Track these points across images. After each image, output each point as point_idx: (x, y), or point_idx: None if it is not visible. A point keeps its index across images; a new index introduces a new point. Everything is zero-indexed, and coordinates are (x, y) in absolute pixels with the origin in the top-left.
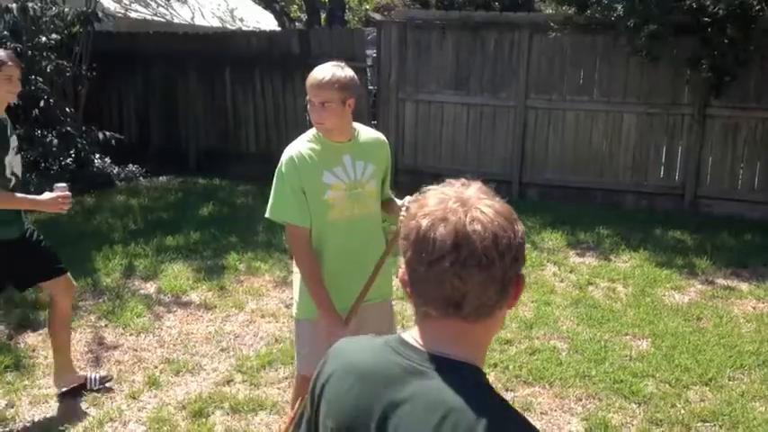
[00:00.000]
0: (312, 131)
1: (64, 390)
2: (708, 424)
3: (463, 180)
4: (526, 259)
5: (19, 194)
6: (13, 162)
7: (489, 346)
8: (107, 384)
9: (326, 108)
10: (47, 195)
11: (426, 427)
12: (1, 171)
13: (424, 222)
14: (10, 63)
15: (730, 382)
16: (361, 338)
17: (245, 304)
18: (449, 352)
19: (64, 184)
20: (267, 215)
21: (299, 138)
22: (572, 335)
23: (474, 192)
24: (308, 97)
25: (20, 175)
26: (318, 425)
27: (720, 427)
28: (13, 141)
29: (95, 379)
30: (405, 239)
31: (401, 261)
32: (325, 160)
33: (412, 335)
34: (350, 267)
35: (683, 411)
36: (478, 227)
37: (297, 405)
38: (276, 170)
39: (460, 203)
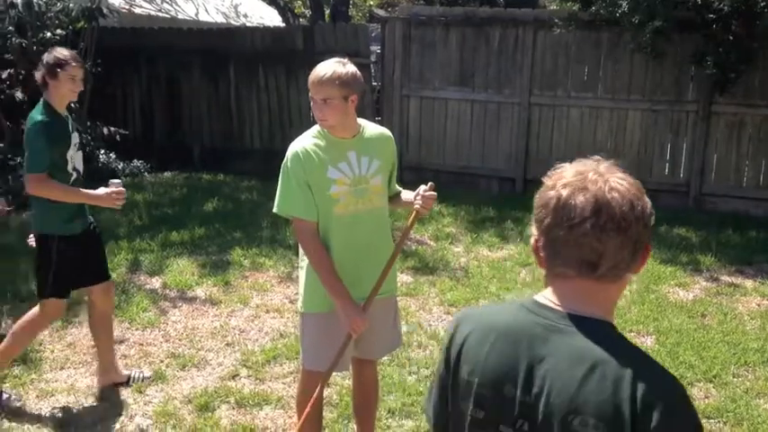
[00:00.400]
0: (317, 127)
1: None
2: (712, 420)
3: (596, 157)
4: (530, 256)
5: (77, 189)
6: (75, 158)
7: None
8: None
9: (328, 104)
10: (102, 190)
11: (573, 379)
12: (63, 166)
13: (565, 191)
14: (74, 63)
15: (735, 379)
16: (489, 304)
17: (249, 299)
18: (584, 310)
19: (118, 180)
20: (275, 210)
21: (304, 134)
22: None
23: (608, 166)
24: (310, 94)
25: (81, 171)
26: (457, 384)
27: (725, 423)
28: (75, 138)
29: (137, 378)
30: (543, 207)
31: (533, 229)
32: (330, 156)
33: (545, 296)
34: (355, 262)
35: None
36: (617, 194)
37: (310, 403)
38: (282, 166)
39: (598, 175)
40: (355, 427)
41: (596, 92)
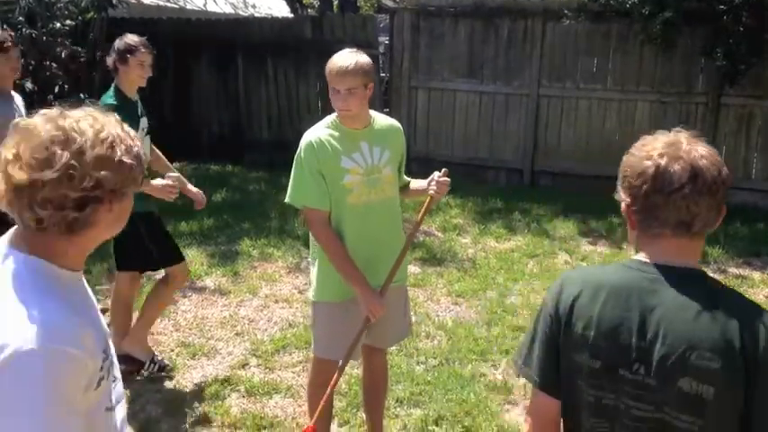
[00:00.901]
0: (331, 118)
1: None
2: None
3: (678, 129)
4: (539, 246)
5: None
6: (144, 142)
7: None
8: (163, 374)
9: (353, 94)
10: (159, 181)
11: (686, 322)
12: None
13: (662, 160)
14: (143, 50)
15: None
16: (588, 267)
17: (258, 289)
18: (681, 263)
19: (176, 174)
20: (287, 200)
21: (317, 124)
22: None
23: (689, 137)
24: (331, 85)
25: (148, 154)
26: (570, 340)
27: None
28: (143, 122)
29: (156, 363)
30: (639, 176)
31: (623, 195)
32: (344, 146)
33: (644, 256)
34: (368, 251)
35: None
36: (706, 161)
37: (327, 393)
38: (295, 156)
39: (689, 144)
40: (364, 415)
41: (605, 83)
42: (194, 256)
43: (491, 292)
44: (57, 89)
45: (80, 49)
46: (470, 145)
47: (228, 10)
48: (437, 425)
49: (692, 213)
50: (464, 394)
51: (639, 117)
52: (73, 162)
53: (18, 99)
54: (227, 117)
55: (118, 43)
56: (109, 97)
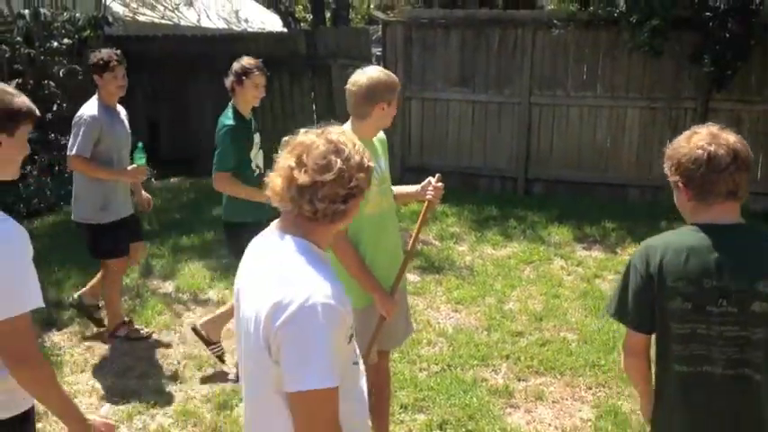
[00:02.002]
0: (345, 129)
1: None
2: None
3: (710, 123)
4: (535, 253)
5: (255, 189)
6: (257, 156)
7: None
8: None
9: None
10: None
11: (751, 262)
12: (248, 164)
13: (711, 147)
14: (257, 72)
15: None
16: (664, 234)
17: None
18: (733, 221)
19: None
20: None
21: None
22: (581, 326)
23: (722, 128)
24: (389, 100)
25: (262, 167)
26: (664, 291)
27: None
28: (256, 138)
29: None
30: (695, 162)
31: (678, 176)
32: None
33: (701, 220)
34: (385, 256)
35: None
36: (740, 146)
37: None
38: None
39: (725, 134)
40: (371, 420)
41: (595, 91)
42: (196, 270)
43: (489, 298)
44: (55, 107)
45: (77, 68)
46: (464, 153)
47: (222, 25)
48: (441, 429)
49: (737, 185)
50: (466, 399)
51: (630, 123)
52: (343, 167)
53: (123, 113)
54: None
55: (235, 66)
56: (227, 118)
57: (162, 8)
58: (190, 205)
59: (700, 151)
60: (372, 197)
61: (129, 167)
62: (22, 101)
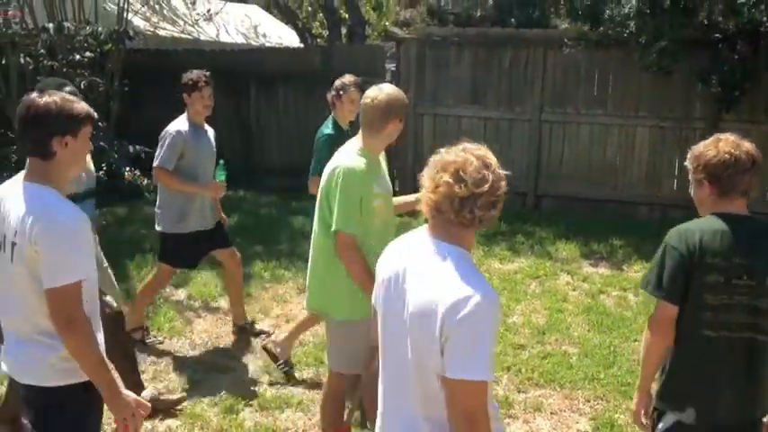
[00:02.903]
0: (357, 145)
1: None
2: None
3: (729, 134)
4: (541, 268)
5: None
6: None
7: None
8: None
9: None
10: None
11: (765, 244)
12: None
13: (736, 152)
14: (353, 88)
15: None
16: (695, 221)
17: (270, 310)
18: (745, 212)
19: None
20: (335, 228)
21: (347, 152)
22: (583, 340)
23: (738, 137)
24: (400, 118)
25: None
26: (702, 267)
27: None
28: None
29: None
30: (722, 164)
31: (703, 176)
32: (373, 172)
33: (724, 210)
34: None
35: None
36: (756, 153)
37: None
38: (336, 184)
39: (741, 141)
40: (369, 426)
41: (605, 109)
42: (208, 279)
43: None
44: None
45: (98, 80)
46: None
47: (240, 40)
48: None
49: (750, 184)
50: None
51: (639, 141)
52: (494, 178)
53: (210, 132)
54: (240, 144)
55: (336, 82)
56: (327, 128)
57: (182, 23)
58: None
59: (727, 156)
60: (380, 209)
61: (209, 183)
62: (82, 106)
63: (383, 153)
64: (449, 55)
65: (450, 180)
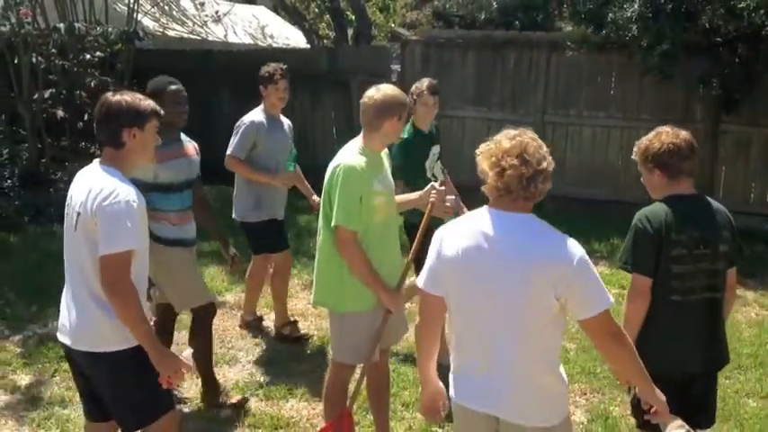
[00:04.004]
0: (358, 144)
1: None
2: None
3: (667, 125)
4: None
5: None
6: (434, 166)
7: None
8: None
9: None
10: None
11: (714, 217)
12: (422, 173)
13: (677, 141)
14: (426, 93)
15: (727, 381)
16: (656, 204)
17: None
18: (693, 191)
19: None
20: (335, 223)
21: (348, 151)
22: (580, 336)
23: (675, 127)
24: (399, 114)
25: (438, 176)
26: (668, 243)
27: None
28: (435, 149)
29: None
30: (669, 152)
31: (650, 166)
32: (374, 170)
33: (675, 191)
34: (388, 259)
35: None
36: (693, 139)
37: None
38: (336, 181)
39: (681, 132)
40: (372, 415)
41: (608, 111)
42: (215, 274)
43: None
44: (86, 117)
45: (108, 79)
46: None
47: (248, 41)
48: (440, 427)
49: (694, 167)
50: None
51: None
52: (547, 156)
53: (286, 124)
54: None
55: (412, 87)
56: (406, 131)
57: (191, 23)
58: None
59: (671, 145)
60: (381, 207)
61: (279, 173)
62: (148, 103)
63: (386, 152)
64: (453, 57)
65: (517, 162)
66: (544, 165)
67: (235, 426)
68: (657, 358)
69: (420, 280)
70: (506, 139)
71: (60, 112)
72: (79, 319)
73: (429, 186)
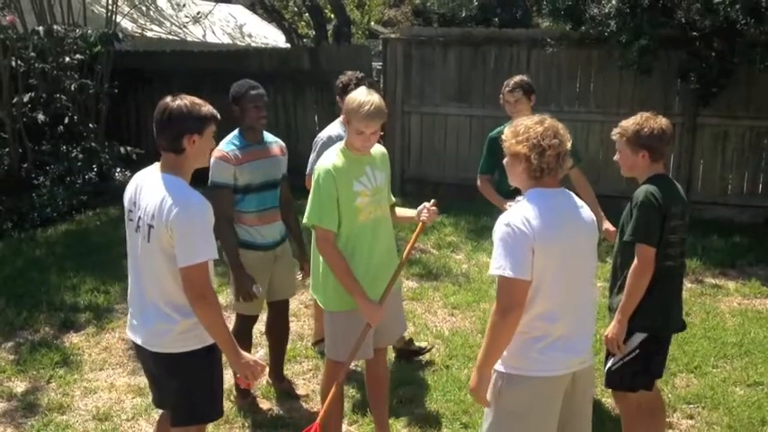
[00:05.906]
0: (339, 147)
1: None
2: (692, 405)
3: (640, 114)
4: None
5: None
6: None
7: None
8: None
9: (375, 134)
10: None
11: (681, 190)
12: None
13: (663, 127)
14: (506, 90)
15: (714, 370)
16: (648, 185)
17: None
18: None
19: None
20: (304, 221)
21: (328, 153)
22: None
23: (654, 114)
24: (355, 126)
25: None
26: (669, 216)
27: (703, 407)
28: None
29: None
30: (656, 136)
31: (639, 149)
32: (354, 172)
33: (656, 175)
34: (378, 260)
35: (670, 395)
36: (671, 126)
37: (337, 381)
38: (314, 182)
39: (660, 118)
40: (371, 413)
41: (588, 106)
42: None
43: (484, 303)
44: (66, 120)
45: (88, 82)
46: (461, 166)
47: (227, 40)
48: (437, 422)
49: (668, 150)
50: (461, 395)
51: None
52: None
53: None
54: None
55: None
56: (493, 130)
57: (169, 24)
58: None
59: (661, 131)
60: (365, 206)
61: None
62: (208, 109)
63: (384, 152)
64: (434, 54)
65: (556, 141)
66: (569, 143)
67: (234, 425)
68: (661, 321)
69: (506, 270)
70: (535, 123)
71: (41, 116)
72: (152, 323)
73: (422, 206)
